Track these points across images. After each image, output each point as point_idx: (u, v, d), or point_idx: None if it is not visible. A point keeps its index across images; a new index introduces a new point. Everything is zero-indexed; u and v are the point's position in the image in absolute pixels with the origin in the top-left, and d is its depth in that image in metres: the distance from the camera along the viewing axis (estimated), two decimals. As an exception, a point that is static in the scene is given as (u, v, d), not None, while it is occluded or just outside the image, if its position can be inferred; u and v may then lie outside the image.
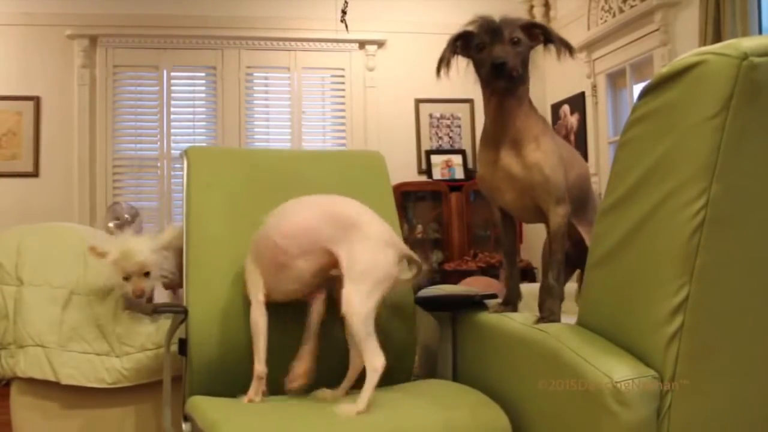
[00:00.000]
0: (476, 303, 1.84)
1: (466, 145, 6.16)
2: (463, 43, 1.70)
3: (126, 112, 5.80)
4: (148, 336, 1.95)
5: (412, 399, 1.67)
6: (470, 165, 6.10)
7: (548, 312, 1.64)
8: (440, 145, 6.13)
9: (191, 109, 5.90)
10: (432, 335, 2.02)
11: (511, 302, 1.81)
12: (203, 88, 5.93)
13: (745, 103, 1.23)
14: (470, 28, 1.68)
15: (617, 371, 1.33)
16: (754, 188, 1.30)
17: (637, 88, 5.33)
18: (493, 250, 5.71)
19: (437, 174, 5.98)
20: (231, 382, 1.76)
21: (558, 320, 1.62)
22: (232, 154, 2.07)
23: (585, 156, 5.74)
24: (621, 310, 1.43)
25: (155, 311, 1.86)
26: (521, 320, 1.68)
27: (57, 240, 2.14)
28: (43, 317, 1.96)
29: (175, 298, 2.10)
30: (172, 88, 5.82)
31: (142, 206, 5.46)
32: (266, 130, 5.98)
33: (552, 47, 1.67)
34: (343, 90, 6.07)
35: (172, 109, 5.82)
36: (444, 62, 1.72)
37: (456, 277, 5.62)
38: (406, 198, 5.84)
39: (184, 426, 1.73)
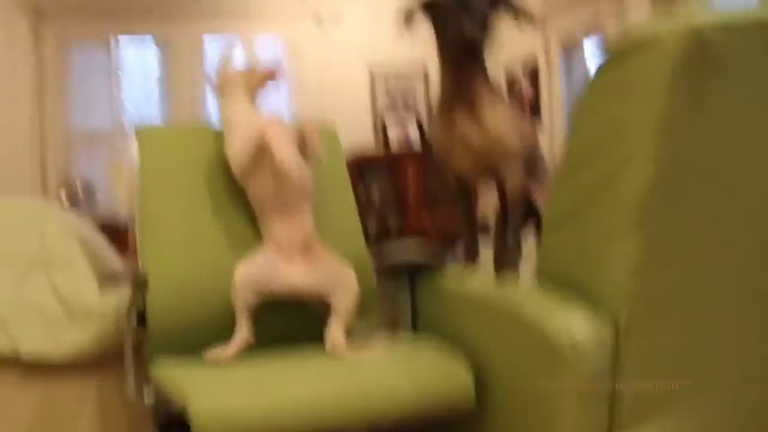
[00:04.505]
0: (434, 264, 1.87)
1: (421, 112, 6.17)
2: (429, 9, 1.71)
3: (76, 84, 5.69)
4: (109, 307, 1.93)
5: (378, 355, 1.70)
6: (426, 133, 6.12)
7: (508, 269, 1.67)
8: (396, 113, 6.13)
9: (143, 81, 5.81)
10: (390, 292, 2.05)
11: (472, 255, 1.85)
12: (155, 58, 5.84)
13: (697, 77, 1.27)
14: None
15: (576, 325, 1.37)
16: (701, 155, 1.35)
17: (591, 54, 5.39)
18: (451, 215, 5.75)
19: (393, 140, 5.99)
20: (190, 348, 1.78)
21: (516, 279, 1.65)
22: (181, 131, 2.07)
23: (539, 119, 5.81)
24: (578, 267, 1.47)
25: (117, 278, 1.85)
26: (480, 278, 1.72)
27: (10, 212, 2.12)
28: (1, 289, 1.94)
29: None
30: (123, 59, 5.73)
31: (95, 179, 5.39)
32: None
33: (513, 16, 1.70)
34: (299, 59, 6.02)
35: (124, 82, 5.74)
36: (409, 19, 1.72)
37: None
38: (363, 166, 5.85)
39: (146, 389, 1.74)
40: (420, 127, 6.08)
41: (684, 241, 1.38)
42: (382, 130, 6.06)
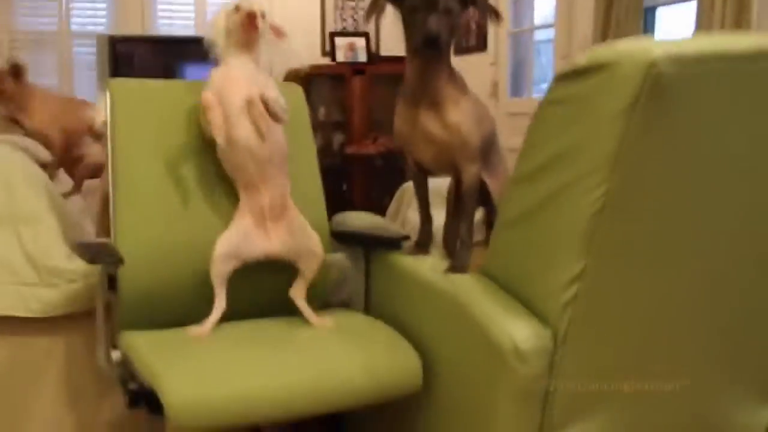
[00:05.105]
0: (391, 243, 1.98)
1: (369, 28, 6.13)
2: (398, 2, 1.75)
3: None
4: (78, 268, 1.99)
5: (332, 337, 1.82)
6: (373, 49, 6.10)
7: (459, 262, 1.79)
8: (344, 28, 6.09)
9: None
10: (346, 263, 2.16)
11: (424, 245, 1.95)
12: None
13: (649, 105, 1.36)
14: None
15: (519, 332, 1.50)
16: (649, 180, 1.46)
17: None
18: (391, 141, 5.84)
19: (341, 56, 5.97)
20: (162, 314, 1.88)
21: (467, 271, 1.77)
22: (156, 87, 2.06)
23: (485, 46, 5.85)
24: (524, 271, 1.60)
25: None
26: (432, 266, 1.83)
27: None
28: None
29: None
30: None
31: (41, 84, 5.25)
32: (171, 5, 5.80)
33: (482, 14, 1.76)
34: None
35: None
36: (376, 11, 1.77)
37: (357, 162, 5.76)
38: (310, 80, 5.82)
39: (114, 354, 1.84)
40: (368, 45, 6.05)
41: (625, 259, 1.51)
42: (330, 44, 6.01)
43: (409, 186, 4.32)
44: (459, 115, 1.77)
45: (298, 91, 2.20)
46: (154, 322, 1.86)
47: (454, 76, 1.80)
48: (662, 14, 4.42)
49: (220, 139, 1.82)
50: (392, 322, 1.89)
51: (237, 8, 1.92)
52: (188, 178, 1.98)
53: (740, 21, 3.60)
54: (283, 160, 1.94)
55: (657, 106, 1.37)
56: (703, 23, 3.76)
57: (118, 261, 1.75)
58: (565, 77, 1.47)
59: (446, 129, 1.77)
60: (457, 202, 2.00)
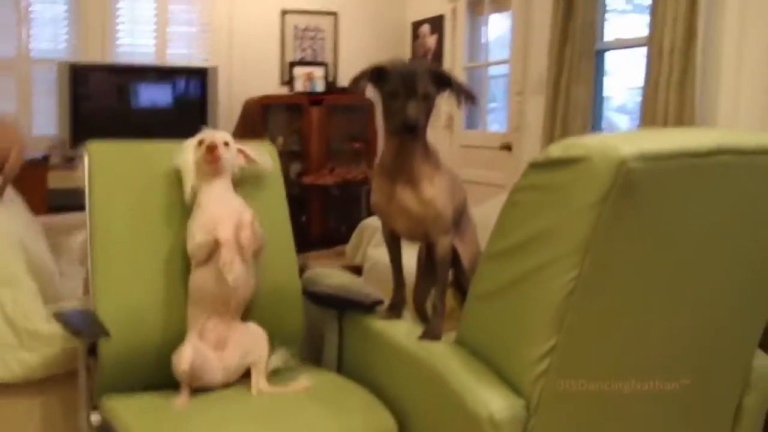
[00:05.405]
0: (365, 307, 2.04)
1: (328, 58, 6.21)
2: (378, 83, 1.81)
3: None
4: (57, 331, 1.99)
5: (308, 403, 1.87)
6: (331, 78, 6.18)
7: (433, 330, 1.86)
8: (303, 57, 6.15)
9: (52, 9, 5.59)
10: (319, 321, 2.21)
11: (397, 308, 2.02)
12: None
13: (620, 197, 1.46)
14: (385, 65, 1.80)
15: (494, 403, 1.59)
16: (619, 264, 1.56)
17: (494, 18, 5.55)
18: (351, 164, 5.93)
19: (299, 86, 6.03)
20: (140, 376, 1.92)
21: (440, 338, 1.85)
22: (133, 149, 2.10)
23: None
24: (498, 343, 1.69)
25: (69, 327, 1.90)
26: (406, 331, 1.91)
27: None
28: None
29: None
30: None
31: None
32: (132, 33, 5.81)
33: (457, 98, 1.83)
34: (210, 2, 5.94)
35: (30, 9, 5.50)
36: (357, 85, 1.83)
37: (315, 192, 5.81)
38: (268, 109, 5.88)
39: (93, 417, 1.87)
40: (326, 75, 6.13)
41: (594, 332, 1.61)
42: (289, 74, 6.07)
43: (368, 222, 4.40)
44: (433, 191, 1.85)
45: (272, 151, 2.25)
46: (132, 384, 1.90)
47: (428, 153, 1.87)
48: (611, 57, 4.58)
49: (229, 277, 1.87)
50: (366, 383, 1.96)
51: (200, 142, 2.00)
52: (165, 241, 2.02)
53: (686, 67, 3.75)
54: (245, 301, 2.00)
55: (626, 198, 1.47)
56: (653, 69, 3.91)
57: (103, 334, 1.78)
58: (539, 166, 1.57)
59: (422, 204, 1.85)
60: (427, 265, 2.08)
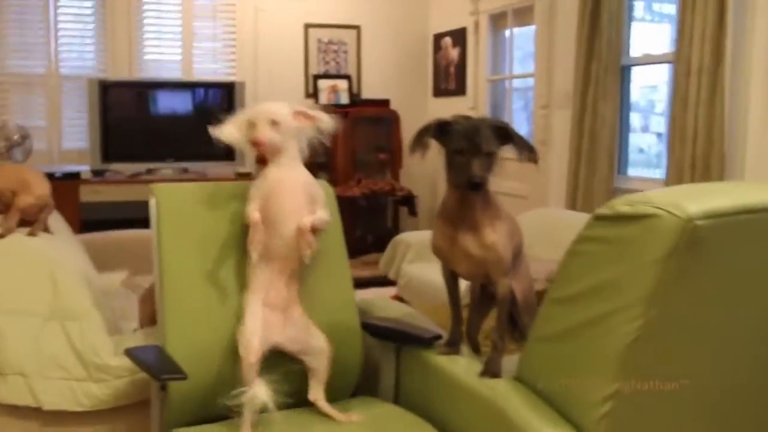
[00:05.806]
0: (423, 341, 2.12)
1: (352, 71, 6.28)
2: (443, 140, 1.87)
3: (10, 26, 5.51)
4: (125, 364, 2.09)
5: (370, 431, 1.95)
6: (355, 90, 6.25)
7: (493, 367, 1.93)
8: (327, 70, 6.23)
9: (80, 27, 5.69)
10: (376, 353, 2.29)
11: (456, 343, 2.09)
12: (91, 2, 5.72)
13: (686, 253, 1.54)
14: (448, 120, 1.86)
15: (558, 443, 1.67)
16: (682, 314, 1.63)
17: (517, 32, 5.60)
18: (377, 175, 6.01)
19: (323, 99, 6.10)
20: (207, 408, 1.99)
21: (500, 376, 1.92)
22: (196, 190, 2.17)
23: (464, 90, 6.04)
24: (561, 384, 1.76)
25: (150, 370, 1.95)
26: (466, 367, 1.98)
27: (20, 261, 2.21)
28: (20, 345, 2.06)
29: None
30: (60, 3, 5.58)
31: (30, 126, 5.30)
32: (158, 48, 5.90)
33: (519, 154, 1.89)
34: (234, 13, 6.00)
35: (59, 26, 5.60)
36: (419, 145, 1.88)
37: (342, 203, 5.86)
38: (293, 119, 5.93)
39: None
40: (350, 87, 6.20)
41: (656, 376, 1.68)
42: (313, 87, 6.15)
43: (402, 238, 4.49)
44: (495, 236, 1.92)
45: (329, 190, 2.32)
46: (199, 415, 1.98)
47: (490, 201, 1.94)
48: (637, 72, 4.64)
49: (255, 255, 1.97)
50: (424, 416, 2.03)
51: (250, 123, 2.03)
52: (230, 278, 2.10)
53: (715, 84, 3.81)
54: (304, 266, 2.07)
55: (691, 253, 1.55)
56: (679, 85, 3.97)
57: (181, 376, 1.86)
58: (605, 219, 1.64)
59: (484, 248, 1.92)
60: (481, 299, 2.16)
